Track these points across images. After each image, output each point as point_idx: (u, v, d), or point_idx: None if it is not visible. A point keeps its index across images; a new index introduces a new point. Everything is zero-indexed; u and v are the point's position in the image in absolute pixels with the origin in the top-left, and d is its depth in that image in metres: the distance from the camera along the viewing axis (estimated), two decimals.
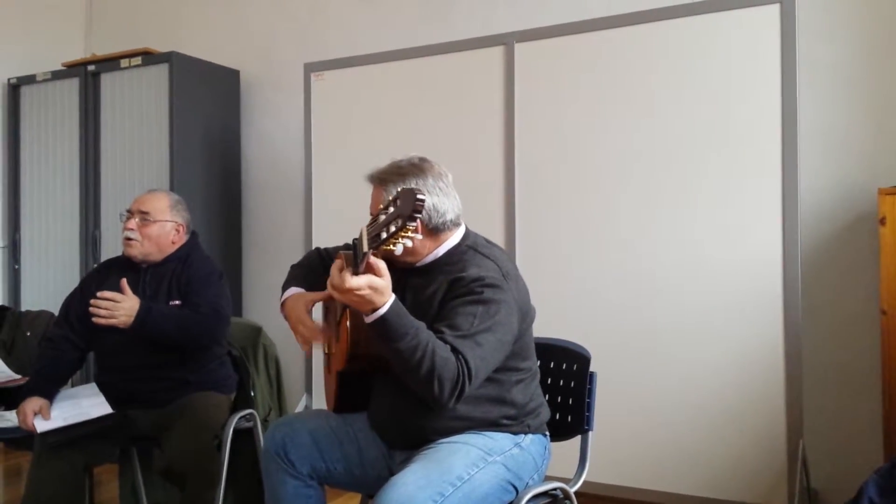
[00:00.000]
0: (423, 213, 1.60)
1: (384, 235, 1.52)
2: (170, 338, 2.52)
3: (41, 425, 2.43)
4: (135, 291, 2.61)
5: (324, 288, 2.10)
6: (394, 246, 1.54)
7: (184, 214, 2.74)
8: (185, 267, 2.67)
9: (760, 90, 2.83)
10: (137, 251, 2.64)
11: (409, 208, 1.49)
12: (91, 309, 2.43)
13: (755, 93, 2.84)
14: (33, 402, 2.47)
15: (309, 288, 2.08)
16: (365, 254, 1.59)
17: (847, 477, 2.83)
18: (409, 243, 1.56)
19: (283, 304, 2.04)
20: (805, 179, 2.93)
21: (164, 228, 2.66)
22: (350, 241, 2.18)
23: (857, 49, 2.97)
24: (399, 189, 1.75)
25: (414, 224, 1.50)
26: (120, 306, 2.44)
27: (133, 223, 2.63)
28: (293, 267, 2.18)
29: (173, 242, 2.70)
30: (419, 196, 1.49)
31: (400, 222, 1.50)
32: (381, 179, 1.89)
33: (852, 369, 2.94)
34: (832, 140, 2.99)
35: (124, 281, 2.51)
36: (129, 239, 2.63)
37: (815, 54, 3.00)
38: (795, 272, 2.77)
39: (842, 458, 2.94)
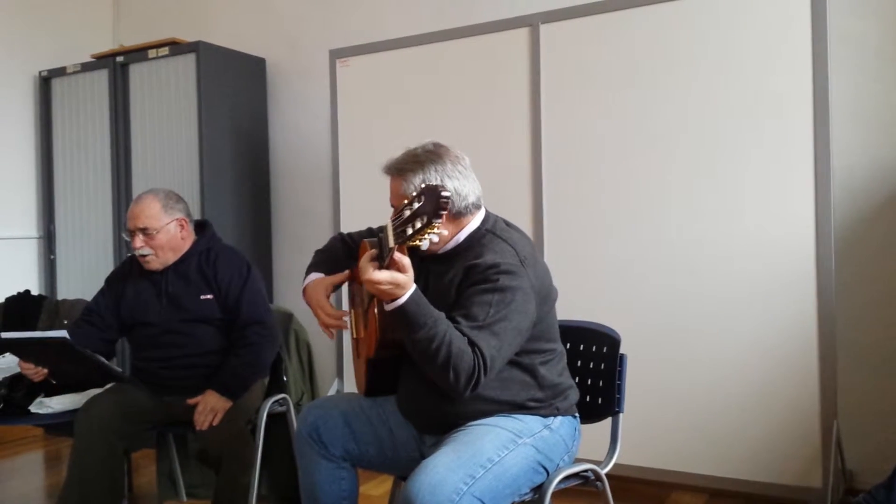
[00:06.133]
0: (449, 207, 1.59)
1: (409, 231, 1.54)
2: (256, 379, 2.66)
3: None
4: (157, 292, 2.67)
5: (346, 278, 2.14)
6: (420, 242, 1.56)
7: (179, 206, 2.69)
8: (209, 262, 2.68)
9: (791, 66, 2.77)
10: (157, 264, 2.65)
11: (434, 206, 1.51)
12: (197, 426, 2.47)
13: (786, 69, 2.79)
14: None
15: (331, 273, 2.09)
16: (391, 249, 1.60)
17: (883, 457, 2.79)
18: (436, 238, 1.57)
19: (304, 290, 2.07)
20: (838, 156, 2.88)
21: (170, 232, 2.64)
22: (372, 227, 2.21)
23: (890, 23, 2.90)
24: (422, 184, 1.75)
25: (439, 221, 1.51)
26: (210, 409, 2.48)
27: (139, 241, 2.62)
28: (317, 252, 2.20)
29: (183, 239, 2.69)
30: (443, 193, 1.51)
31: (425, 219, 1.52)
32: (399, 170, 1.88)
33: (887, 348, 2.90)
34: (865, 116, 2.93)
35: (199, 406, 2.51)
36: (143, 256, 2.64)
37: (847, 28, 2.93)
38: (829, 250, 2.73)
39: (877, 438, 2.90)
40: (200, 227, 2.81)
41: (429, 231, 1.53)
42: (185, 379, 2.60)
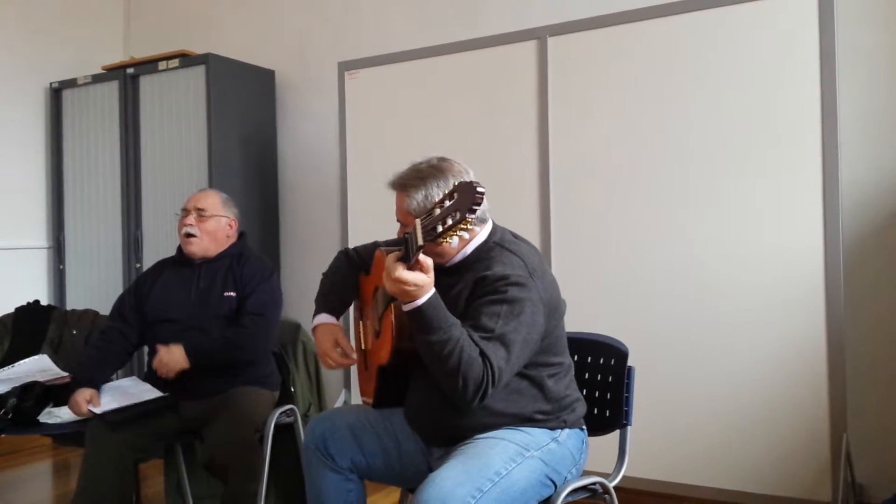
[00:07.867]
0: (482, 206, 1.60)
1: (440, 229, 1.55)
2: (221, 362, 2.64)
3: (97, 409, 2.52)
4: (188, 285, 2.74)
5: (355, 292, 2.18)
6: (450, 239, 1.57)
7: (234, 210, 2.87)
8: (239, 264, 2.78)
9: (799, 78, 2.78)
10: (197, 247, 2.74)
11: (469, 201, 1.51)
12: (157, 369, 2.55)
13: (794, 81, 2.79)
14: (84, 393, 2.57)
15: (340, 299, 2.17)
16: (420, 247, 1.61)
17: (893, 471, 2.78)
18: (466, 235, 1.59)
19: (314, 330, 2.12)
20: (846, 168, 2.87)
21: (220, 223, 2.79)
22: (378, 241, 2.22)
23: None
24: (426, 199, 1.78)
25: (473, 216, 1.53)
26: (169, 360, 2.54)
27: (191, 219, 2.74)
28: (324, 277, 2.24)
29: (227, 237, 2.81)
30: (479, 189, 1.52)
31: (458, 215, 1.53)
32: (402, 185, 1.89)
33: None
34: (874, 127, 2.93)
35: (160, 349, 2.59)
36: (188, 235, 2.74)
37: (855, 40, 2.93)
38: (837, 263, 2.72)
39: (887, 452, 2.88)
40: (238, 235, 2.91)
41: (461, 227, 1.54)
42: (199, 381, 2.61)
